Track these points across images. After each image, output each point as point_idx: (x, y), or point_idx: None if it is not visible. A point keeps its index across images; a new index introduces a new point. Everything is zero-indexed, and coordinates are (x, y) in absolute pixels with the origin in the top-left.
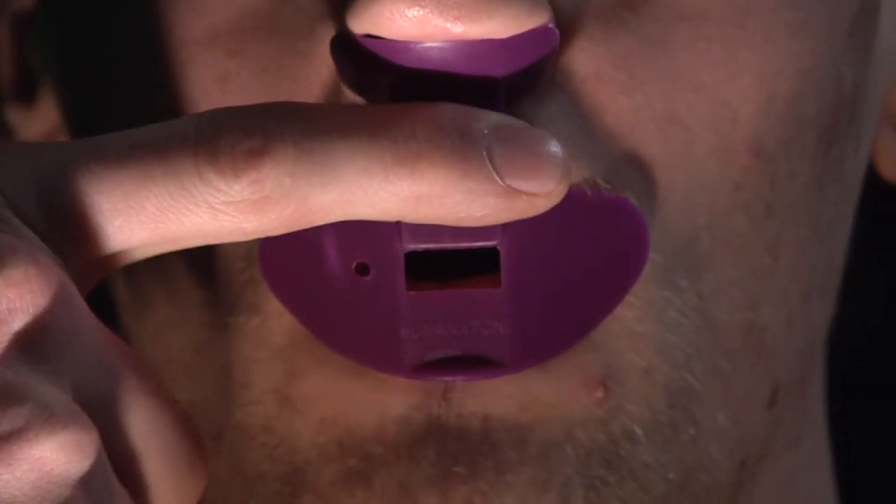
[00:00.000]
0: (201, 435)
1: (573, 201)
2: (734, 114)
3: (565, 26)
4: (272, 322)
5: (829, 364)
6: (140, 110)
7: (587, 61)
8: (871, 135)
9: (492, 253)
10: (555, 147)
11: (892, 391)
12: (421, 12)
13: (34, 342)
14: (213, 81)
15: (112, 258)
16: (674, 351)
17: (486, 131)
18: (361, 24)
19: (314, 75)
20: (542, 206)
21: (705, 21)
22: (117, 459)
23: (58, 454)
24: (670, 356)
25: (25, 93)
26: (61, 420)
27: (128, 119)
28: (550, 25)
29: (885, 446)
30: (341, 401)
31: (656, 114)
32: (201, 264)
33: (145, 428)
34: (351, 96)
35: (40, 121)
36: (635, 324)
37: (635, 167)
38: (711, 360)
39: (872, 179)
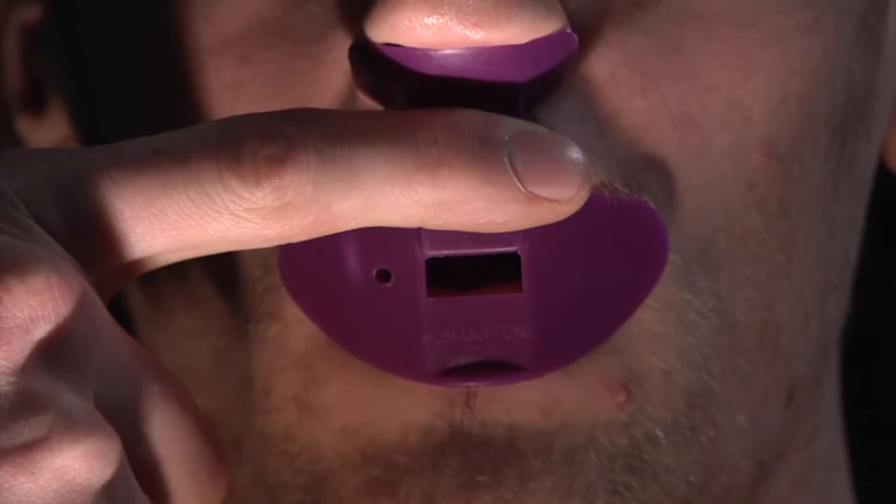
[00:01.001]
0: (223, 442)
1: (592, 205)
2: (748, 113)
3: (581, 30)
4: (292, 329)
5: (844, 359)
6: (151, 120)
7: (603, 64)
8: (882, 131)
9: (512, 258)
10: (576, 153)
11: None
12: (440, 20)
13: (56, 350)
14: (225, 89)
15: (134, 265)
16: (693, 352)
17: (506, 137)
18: (381, 32)
19: (326, 80)
20: (563, 212)
21: (718, 21)
22: (139, 466)
23: (80, 463)
24: (689, 358)
25: (34, 103)
26: (84, 428)
27: (139, 129)
28: (568, 30)
29: None
30: (363, 408)
31: (672, 115)
32: (220, 273)
33: (167, 435)
34: (366, 101)
35: (50, 131)
36: (655, 326)
37: (653, 169)
38: (730, 361)
39: (882, 174)
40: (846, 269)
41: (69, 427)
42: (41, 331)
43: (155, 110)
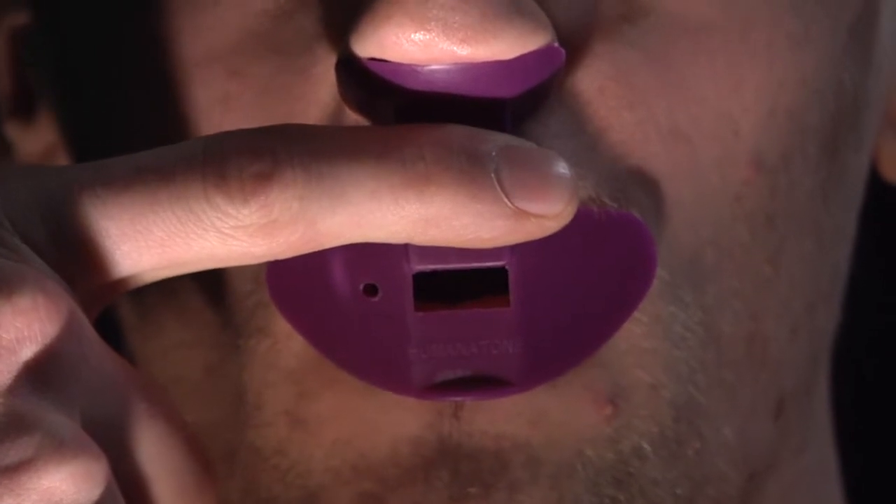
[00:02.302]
0: (212, 458)
1: (580, 219)
2: (736, 126)
3: (569, 43)
4: (282, 345)
5: (834, 367)
6: (139, 129)
7: (591, 78)
8: (872, 139)
9: (500, 272)
10: (563, 168)
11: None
12: (427, 36)
13: (43, 371)
14: (214, 102)
15: (120, 282)
16: (679, 366)
17: (493, 153)
18: (366, 47)
19: (314, 94)
20: (550, 227)
21: (707, 33)
22: (127, 484)
23: (67, 484)
24: (676, 371)
25: (24, 108)
26: (70, 449)
27: (127, 137)
28: (555, 45)
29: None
30: (353, 422)
31: (660, 128)
32: (210, 287)
33: (154, 452)
34: (353, 116)
35: (39, 137)
36: (642, 340)
37: (641, 183)
38: (716, 373)
39: (873, 181)
40: (836, 280)
41: (56, 448)
42: (28, 351)
43: (143, 120)
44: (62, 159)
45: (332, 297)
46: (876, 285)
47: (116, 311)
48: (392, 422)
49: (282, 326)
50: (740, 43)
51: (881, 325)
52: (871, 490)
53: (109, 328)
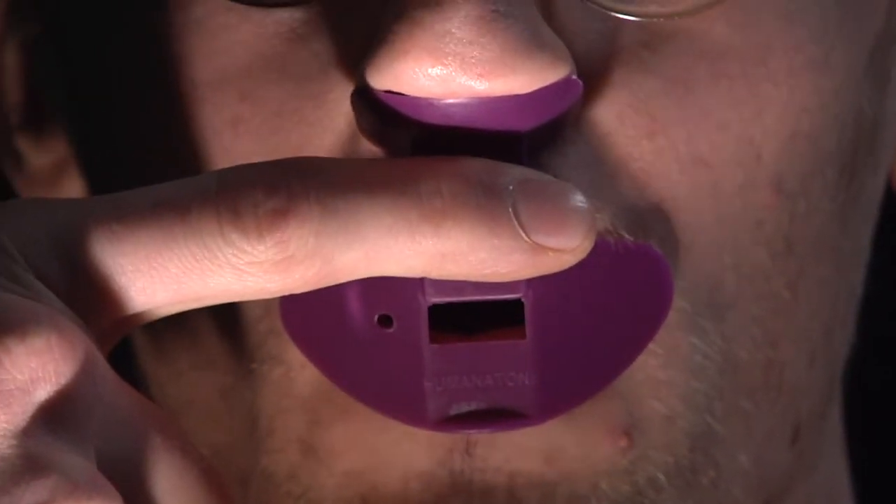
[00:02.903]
0: (228, 486)
1: (597, 251)
2: (758, 151)
3: (588, 72)
4: (295, 373)
5: (846, 386)
6: (150, 149)
7: (609, 107)
8: (889, 159)
9: (516, 303)
10: (580, 201)
11: None
12: (444, 71)
13: (58, 411)
14: (225, 124)
15: (134, 318)
16: (696, 396)
17: (511, 186)
18: (383, 80)
19: (328, 120)
20: (568, 261)
21: (727, 58)
22: None
23: None
24: (693, 401)
25: (34, 121)
26: (85, 491)
27: (137, 156)
28: (573, 77)
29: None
30: (365, 454)
31: (680, 156)
32: (220, 312)
33: (171, 486)
34: (368, 145)
35: (49, 150)
36: (659, 371)
37: (662, 212)
38: (733, 401)
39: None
40: (852, 302)
41: (71, 491)
42: (42, 392)
43: (153, 140)
44: (72, 173)
45: (347, 328)
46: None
47: (129, 335)
48: (403, 456)
49: (295, 355)
50: (761, 68)
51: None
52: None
53: (122, 351)
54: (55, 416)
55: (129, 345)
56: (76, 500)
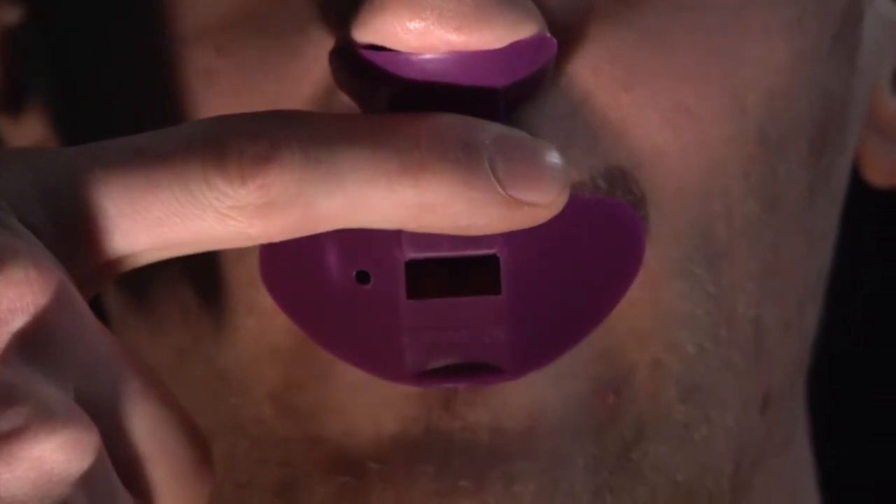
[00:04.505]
0: (206, 440)
1: (570, 205)
2: (743, 104)
3: (564, 29)
4: (268, 321)
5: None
6: (130, 112)
7: (585, 62)
8: (855, 142)
9: (491, 263)
10: (555, 157)
11: (876, 391)
12: (422, 24)
13: (35, 342)
14: (199, 77)
15: (116, 263)
16: (685, 345)
17: (488, 142)
18: (363, 35)
19: (304, 75)
20: (543, 216)
21: (703, 11)
22: (122, 463)
23: (57, 454)
24: (681, 351)
25: (12, 103)
26: (61, 420)
27: (117, 125)
28: (547, 34)
29: (870, 447)
30: (336, 415)
31: (662, 106)
32: (195, 263)
33: (149, 431)
34: (345, 98)
35: (28, 130)
36: (643, 321)
37: (644, 161)
38: (727, 354)
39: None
40: (820, 281)
41: (46, 418)
42: (19, 322)
43: (132, 102)
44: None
45: (324, 283)
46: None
47: (102, 301)
48: (376, 416)
49: (269, 303)
50: (738, 23)
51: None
52: (842, 485)
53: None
54: (32, 347)
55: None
56: (52, 426)
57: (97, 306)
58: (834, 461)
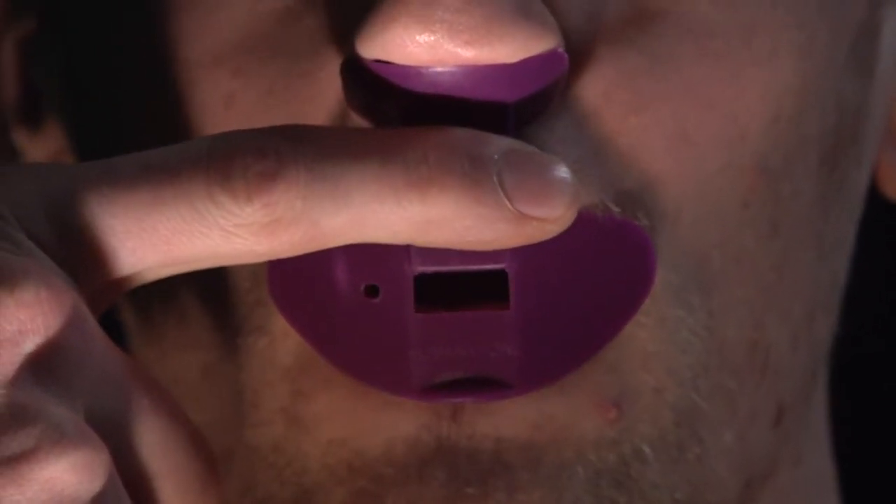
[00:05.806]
0: (215, 456)
1: (581, 223)
2: (743, 130)
3: (575, 48)
4: (279, 343)
5: (832, 378)
6: (145, 132)
7: (595, 83)
8: (873, 154)
9: (500, 276)
10: (564, 173)
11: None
12: (432, 38)
13: (46, 363)
14: (217, 102)
15: (124, 280)
16: (683, 370)
17: (496, 156)
18: (372, 49)
19: (320, 96)
20: (551, 231)
21: (712, 37)
22: (131, 481)
23: (68, 475)
24: (679, 375)
25: (31, 115)
26: (72, 441)
27: (133, 141)
28: (560, 50)
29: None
30: (349, 422)
31: (666, 132)
32: (209, 285)
33: (158, 448)
34: (358, 119)
35: (45, 143)
36: (648, 344)
37: (648, 187)
38: (718, 379)
39: (872, 195)
40: (835, 291)
41: (57, 439)
42: (31, 344)
43: (149, 122)
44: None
45: (333, 298)
46: (869, 293)
47: (120, 315)
48: (388, 422)
49: (279, 324)
50: (744, 48)
51: (877, 334)
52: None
53: (114, 334)
54: (43, 368)
55: (121, 330)
56: (62, 448)
57: (111, 321)
58: (856, 471)
